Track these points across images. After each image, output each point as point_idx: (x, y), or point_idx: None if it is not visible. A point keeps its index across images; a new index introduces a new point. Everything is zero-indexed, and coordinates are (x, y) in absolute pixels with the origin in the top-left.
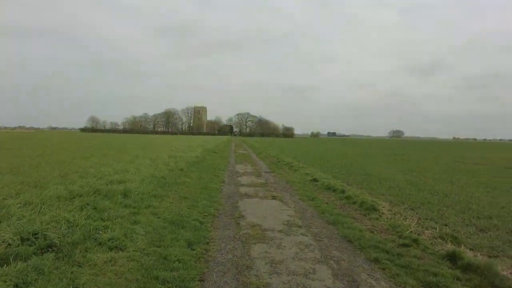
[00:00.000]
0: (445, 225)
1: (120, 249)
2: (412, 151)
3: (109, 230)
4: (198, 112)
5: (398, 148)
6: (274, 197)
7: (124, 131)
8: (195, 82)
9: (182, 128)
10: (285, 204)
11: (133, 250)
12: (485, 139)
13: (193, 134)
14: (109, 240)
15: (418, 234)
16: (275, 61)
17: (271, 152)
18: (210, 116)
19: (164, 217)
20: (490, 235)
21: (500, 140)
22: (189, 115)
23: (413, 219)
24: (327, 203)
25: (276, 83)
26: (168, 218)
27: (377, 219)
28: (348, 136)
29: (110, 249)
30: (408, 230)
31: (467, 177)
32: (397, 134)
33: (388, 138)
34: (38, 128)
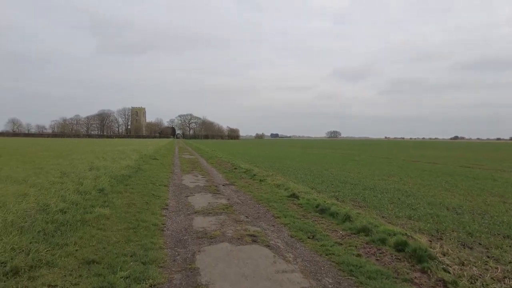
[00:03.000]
0: None
1: None
2: (358, 151)
3: None
4: (136, 113)
5: (343, 148)
6: (253, 239)
7: (54, 134)
8: (133, 83)
9: (118, 131)
10: (277, 254)
11: None
12: (411, 138)
13: (130, 137)
14: None
15: None
16: (214, 63)
17: (222, 156)
18: (150, 118)
19: None
20: None
21: (423, 138)
22: (126, 116)
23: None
24: (339, 243)
25: (216, 85)
26: None
27: (454, 284)
28: (289, 137)
29: None
30: None
31: (456, 180)
32: (334, 134)
33: (327, 139)
34: None
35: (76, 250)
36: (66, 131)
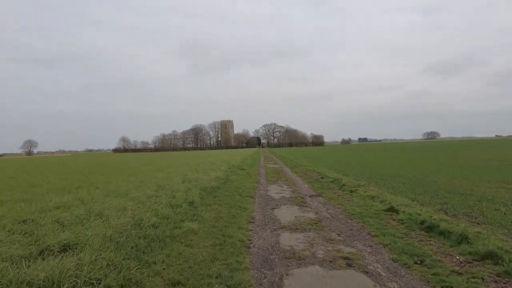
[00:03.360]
0: None
1: None
2: (463, 153)
3: None
4: (225, 126)
5: (444, 150)
6: (348, 262)
7: (155, 149)
8: (220, 97)
9: (210, 143)
10: (378, 283)
11: None
12: None
13: (221, 148)
14: None
15: None
16: (297, 70)
17: (306, 164)
18: (237, 129)
19: None
20: None
21: None
22: (216, 129)
23: None
24: (458, 273)
25: (299, 92)
26: None
27: None
28: (380, 141)
29: None
30: None
31: None
32: (432, 135)
33: (423, 140)
34: (76, 151)
35: (163, 269)
36: (165, 145)
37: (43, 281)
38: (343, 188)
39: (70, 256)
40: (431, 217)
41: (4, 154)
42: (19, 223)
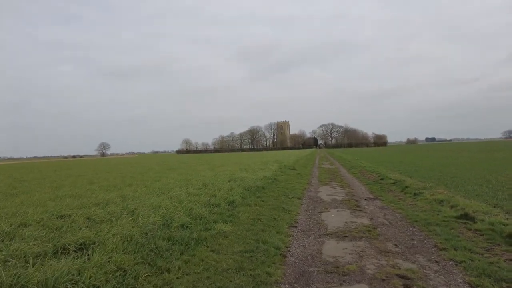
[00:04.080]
0: None
1: None
2: None
3: None
4: (281, 127)
5: None
6: (406, 283)
7: (215, 150)
8: (277, 98)
9: (266, 144)
10: None
11: None
12: None
13: (276, 149)
14: None
15: None
16: (354, 69)
17: (366, 165)
18: (294, 130)
19: None
20: None
21: None
22: (273, 130)
23: None
24: None
25: (360, 91)
26: None
27: None
28: (450, 140)
29: None
30: None
31: None
32: None
33: (503, 139)
34: (143, 153)
35: (177, 278)
36: (224, 146)
37: (37, 285)
38: (406, 190)
39: (81, 256)
40: None
41: (84, 155)
42: (56, 218)
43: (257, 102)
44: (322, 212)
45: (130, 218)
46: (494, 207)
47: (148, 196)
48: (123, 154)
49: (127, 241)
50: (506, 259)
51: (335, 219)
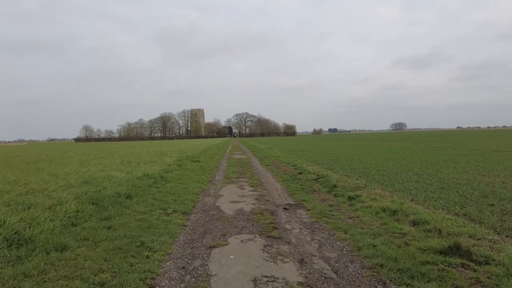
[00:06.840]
0: None
1: None
2: (446, 143)
3: None
4: (195, 115)
5: (420, 140)
6: None
7: (120, 138)
8: (195, 87)
9: (179, 132)
10: None
11: None
12: (488, 127)
13: (190, 138)
14: None
15: None
16: (272, 62)
17: (279, 155)
18: (209, 119)
19: None
20: None
21: (504, 127)
22: (186, 118)
23: None
24: None
25: (273, 84)
26: None
27: None
28: (349, 131)
29: None
30: None
31: None
32: (399, 126)
33: (391, 131)
34: (37, 141)
35: None
36: (131, 134)
37: None
38: (336, 191)
39: None
40: None
41: None
42: None
43: (174, 89)
44: (214, 247)
45: None
46: (467, 218)
47: None
48: (8, 142)
49: None
50: None
51: (235, 269)
